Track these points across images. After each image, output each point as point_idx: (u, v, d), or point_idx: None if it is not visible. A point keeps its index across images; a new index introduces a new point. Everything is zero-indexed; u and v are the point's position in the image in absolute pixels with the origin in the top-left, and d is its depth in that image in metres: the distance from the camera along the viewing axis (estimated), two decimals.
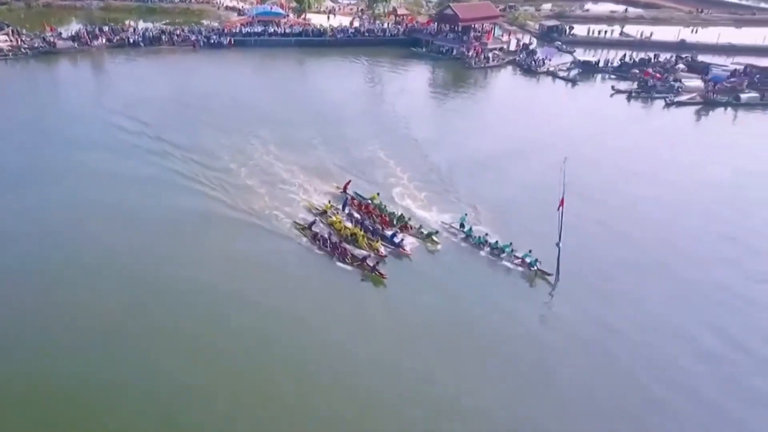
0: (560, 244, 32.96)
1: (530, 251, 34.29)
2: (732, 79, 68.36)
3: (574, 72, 71.58)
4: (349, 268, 34.16)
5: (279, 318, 29.58)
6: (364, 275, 33.37)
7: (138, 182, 40.91)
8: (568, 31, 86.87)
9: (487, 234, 36.36)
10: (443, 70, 73.89)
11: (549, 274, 33.69)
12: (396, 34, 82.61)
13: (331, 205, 39.57)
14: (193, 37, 75.82)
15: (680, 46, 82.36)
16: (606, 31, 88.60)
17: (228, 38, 76.55)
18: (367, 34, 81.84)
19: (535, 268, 34.07)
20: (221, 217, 37.43)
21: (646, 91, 65.54)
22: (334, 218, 38.23)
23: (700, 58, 76.77)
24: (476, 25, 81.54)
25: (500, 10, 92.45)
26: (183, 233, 35.83)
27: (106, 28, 75.32)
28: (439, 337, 28.97)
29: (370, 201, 40.19)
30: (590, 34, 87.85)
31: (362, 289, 32.58)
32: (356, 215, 39.15)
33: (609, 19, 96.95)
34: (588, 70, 73.14)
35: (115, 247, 34.00)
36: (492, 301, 31.59)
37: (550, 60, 75.05)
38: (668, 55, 76.93)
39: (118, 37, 74.24)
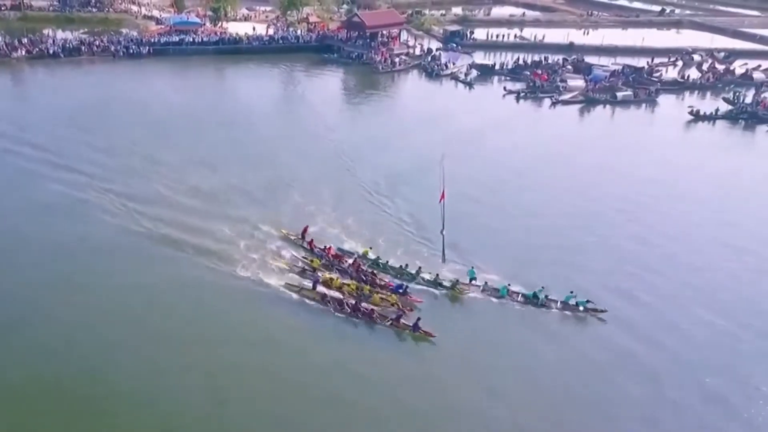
0: (444, 233, 37.87)
1: (572, 292, 34.12)
2: (611, 79, 76.03)
3: (472, 75, 77.68)
4: (381, 328, 31.47)
5: (334, 406, 26.61)
6: (401, 336, 31.11)
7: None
8: (468, 35, 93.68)
9: (509, 284, 34.98)
10: (354, 76, 79.25)
11: (602, 311, 33.49)
12: (309, 41, 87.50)
13: (319, 260, 36.33)
14: (113, 47, 78.68)
15: (569, 47, 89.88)
16: (504, 35, 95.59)
17: (147, 48, 79.61)
18: (281, 42, 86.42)
19: (582, 308, 33.68)
20: (194, 281, 34.25)
21: (533, 92, 72.19)
22: (326, 275, 34.89)
23: (587, 58, 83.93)
24: (383, 32, 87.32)
25: (407, 16, 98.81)
26: (158, 300, 32.70)
27: (25, 40, 77.46)
28: (537, 401, 27.63)
29: (362, 256, 37.40)
30: (489, 37, 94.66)
31: (413, 354, 30.27)
32: (339, 267, 36.26)
33: (508, 23, 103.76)
34: (485, 72, 79.32)
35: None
36: (558, 353, 30.68)
37: (454, 64, 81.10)
38: (558, 57, 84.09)
39: (37, 49, 76.35)
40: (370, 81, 77.02)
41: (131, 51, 78.81)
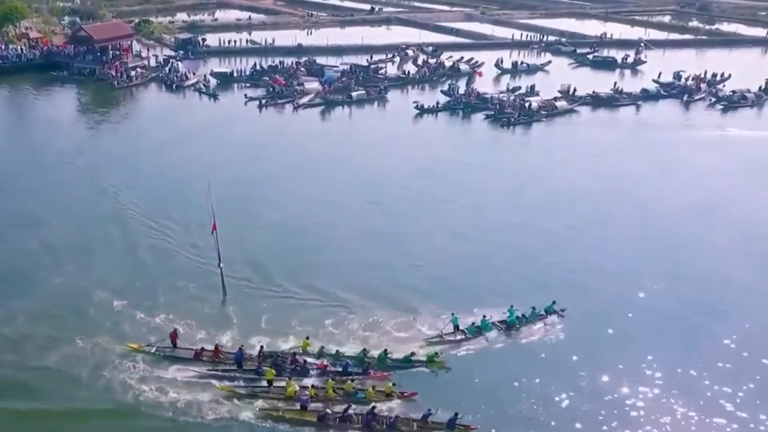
0: (221, 265, 35.97)
1: (534, 308, 34.78)
2: (342, 79, 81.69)
3: (212, 84, 78.92)
4: None
5: None
6: None
7: None
8: (201, 42, 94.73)
9: (484, 316, 34.09)
10: (89, 94, 76.56)
11: (563, 310, 35.18)
12: (33, 59, 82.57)
13: (272, 371, 29.41)
14: None
15: (299, 50, 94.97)
16: (235, 40, 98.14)
17: None
18: (1, 61, 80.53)
19: (549, 313, 34.80)
20: None
21: (273, 98, 74.76)
22: (288, 387, 28.38)
23: (317, 59, 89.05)
24: (113, 44, 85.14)
25: (135, 25, 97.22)
26: None
27: None
28: None
29: (299, 351, 31.42)
30: (222, 43, 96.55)
31: None
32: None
33: (237, 27, 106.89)
34: (225, 80, 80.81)
35: None
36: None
37: (194, 73, 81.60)
38: (291, 60, 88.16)
39: None
40: (109, 99, 74.72)
41: None
